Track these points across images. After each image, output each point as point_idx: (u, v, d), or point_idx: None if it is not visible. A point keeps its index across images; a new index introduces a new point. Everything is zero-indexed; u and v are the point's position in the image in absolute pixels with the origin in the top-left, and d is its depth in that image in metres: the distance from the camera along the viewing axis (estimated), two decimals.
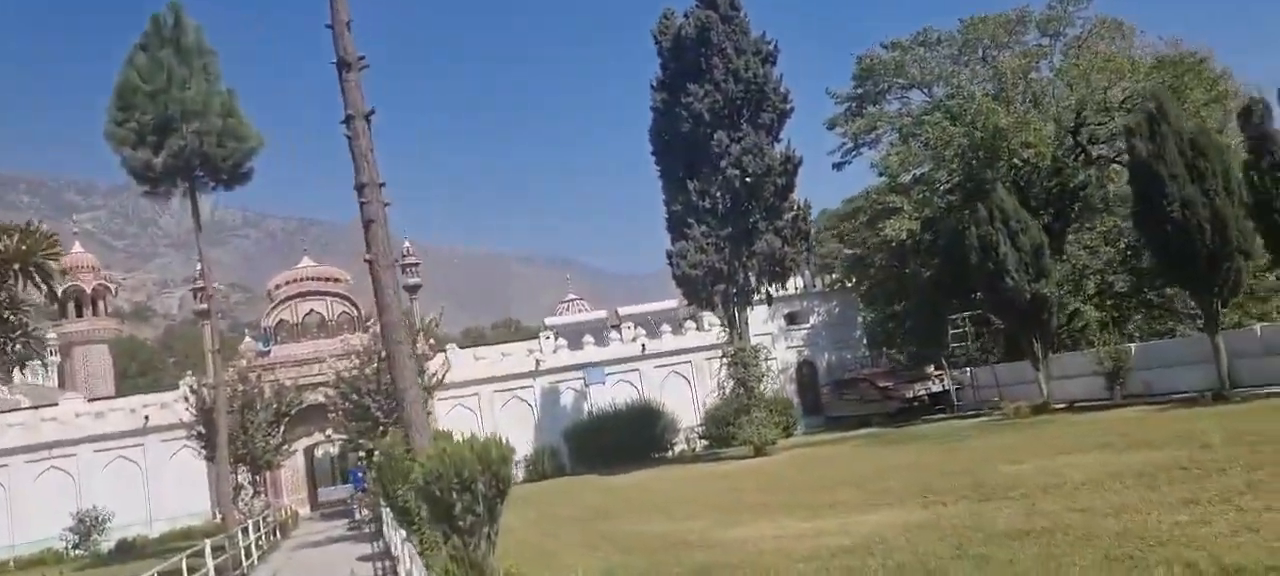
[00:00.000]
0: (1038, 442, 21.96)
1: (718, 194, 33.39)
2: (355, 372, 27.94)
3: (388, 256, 15.01)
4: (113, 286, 79.27)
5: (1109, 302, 37.92)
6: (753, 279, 34.92)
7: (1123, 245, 37.83)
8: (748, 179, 32.82)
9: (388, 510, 20.29)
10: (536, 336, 47.84)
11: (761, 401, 34.55)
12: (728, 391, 35.94)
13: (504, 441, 10.94)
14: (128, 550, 35.14)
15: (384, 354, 27.87)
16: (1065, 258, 36.00)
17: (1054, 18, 41.30)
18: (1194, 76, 36.95)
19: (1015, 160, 37.11)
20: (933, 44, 43.64)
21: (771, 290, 36.54)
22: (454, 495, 10.36)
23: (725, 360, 35.07)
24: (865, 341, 47.99)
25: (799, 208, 34.61)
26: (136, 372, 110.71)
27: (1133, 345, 31.93)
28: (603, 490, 28.28)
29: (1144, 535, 10.31)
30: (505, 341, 59.26)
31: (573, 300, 65.55)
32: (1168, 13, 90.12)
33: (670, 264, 35.11)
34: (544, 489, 32.19)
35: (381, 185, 15.14)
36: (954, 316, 37.97)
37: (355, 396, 27.63)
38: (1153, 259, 29.60)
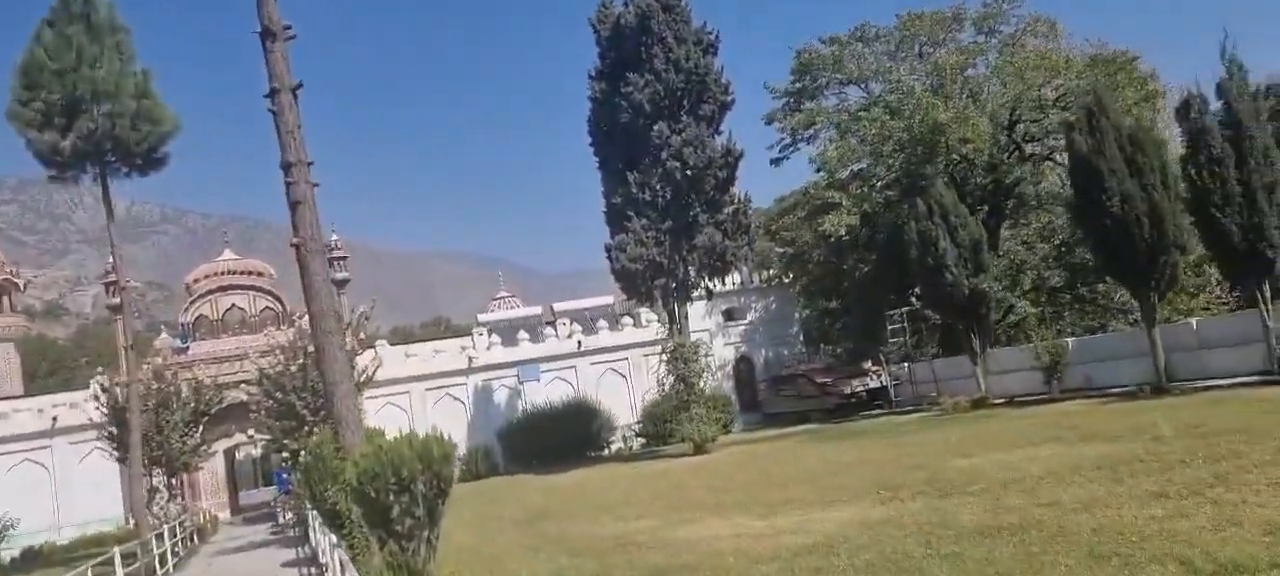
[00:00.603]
0: (985, 436, 21.70)
1: (658, 186, 32.65)
2: (279, 369, 26.56)
3: (317, 240, 13.94)
4: (20, 282, 75.59)
5: (1044, 298, 38.21)
6: (692, 273, 34.30)
7: (1057, 242, 38.17)
8: (688, 171, 32.17)
9: (315, 513, 19.14)
10: (468, 334, 46.69)
11: (701, 398, 33.95)
12: (667, 388, 35.27)
13: (445, 438, 10.06)
14: (34, 558, 33.25)
15: (310, 348, 26.62)
16: (1001, 254, 36.11)
17: (989, 15, 41.57)
18: (1125, 75, 37.40)
19: (953, 156, 37.18)
20: (870, 39, 43.63)
21: (711, 285, 36.00)
22: (391, 497, 9.46)
23: (665, 356, 34.37)
24: (802, 338, 47.84)
25: (739, 201, 34.12)
26: (46, 373, 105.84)
27: (1070, 340, 32.10)
28: (542, 490, 27.38)
29: (1122, 530, 9.85)
30: (435, 340, 57.83)
31: (504, 298, 64.38)
32: (1090, 14, 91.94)
33: (608, 257, 34.33)
34: (480, 489, 31.13)
35: (309, 164, 14.06)
36: (892, 312, 37.89)
37: (279, 394, 26.27)
38: (1092, 253, 29.70)
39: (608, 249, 34.40)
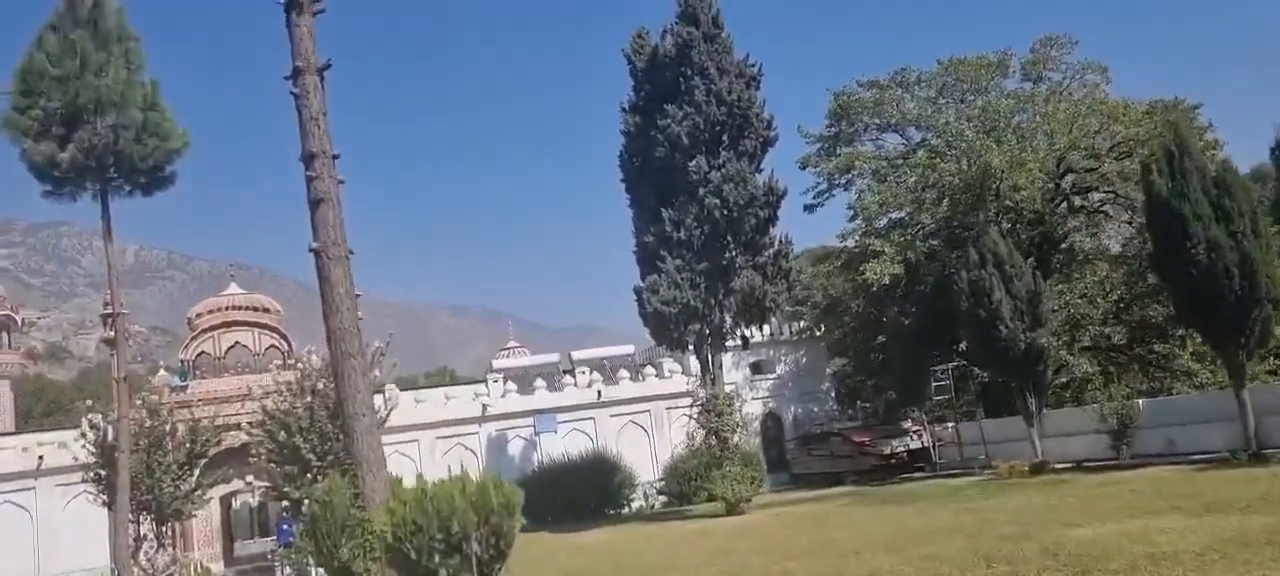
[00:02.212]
0: (1080, 504, 19.30)
1: (694, 225, 30.57)
2: (285, 407, 24.25)
3: (340, 245, 11.79)
4: (19, 318, 73.58)
5: (1102, 357, 35.87)
6: (728, 319, 32.07)
7: (1115, 297, 35.90)
8: (728, 209, 30.10)
9: (321, 572, 16.75)
10: (479, 382, 44.37)
11: (735, 454, 31.50)
12: (697, 442, 32.86)
13: (506, 484, 7.82)
14: None
15: (319, 386, 24.40)
16: (1059, 307, 33.84)
17: (1037, 61, 39.80)
18: (1187, 125, 35.42)
19: (1004, 204, 35.10)
20: (910, 84, 41.84)
21: (747, 333, 33.72)
22: (437, 557, 7.23)
23: (696, 408, 32.01)
24: (833, 394, 45.43)
25: (781, 243, 31.98)
26: (41, 414, 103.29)
27: (1141, 401, 29.67)
28: (570, 550, 24.87)
29: None
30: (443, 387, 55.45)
31: (514, 348, 62.10)
32: (1132, 69, 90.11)
33: (638, 299, 32.13)
34: None
35: (335, 156, 11.99)
36: (936, 368, 35.52)
37: (283, 434, 23.94)
38: (1173, 305, 27.48)
39: (637, 292, 32.21)
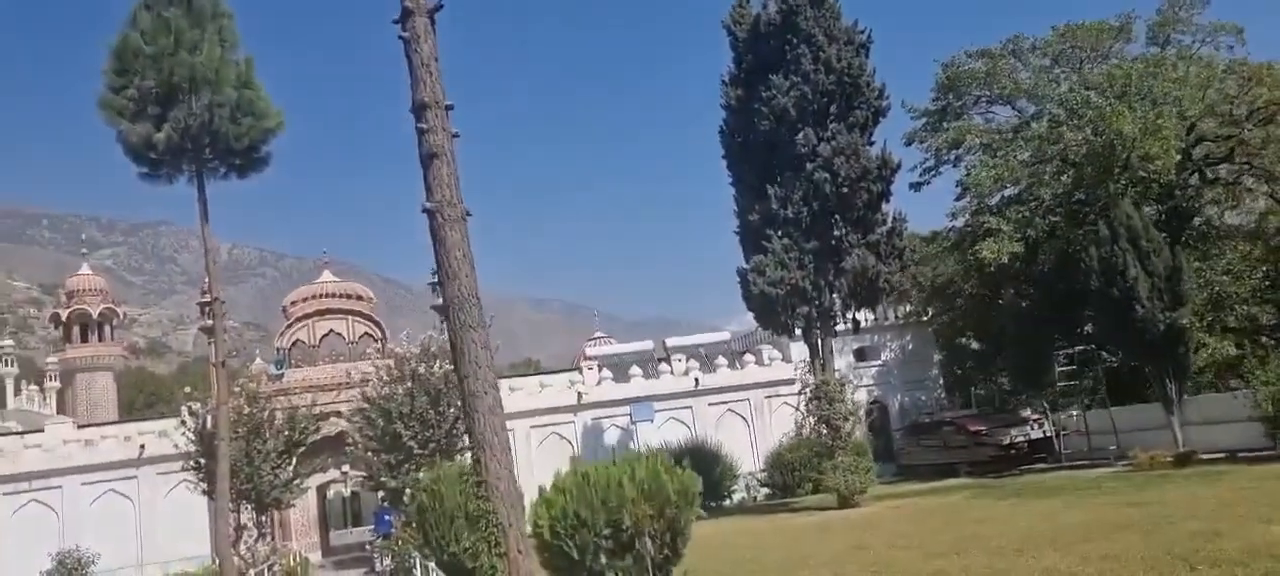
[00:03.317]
0: (1260, 498, 17.21)
1: (801, 201, 28.93)
2: (384, 393, 23.39)
3: (456, 205, 10.59)
4: (122, 311, 75.14)
5: (1247, 338, 33.07)
6: (837, 301, 30.34)
7: (1261, 274, 33.04)
8: (839, 184, 28.37)
9: (431, 565, 15.71)
10: (577, 370, 43.31)
11: (848, 443, 29.75)
12: (806, 431, 31.22)
13: (682, 468, 6.47)
14: None
15: (417, 370, 23.50)
16: (1202, 284, 31.26)
17: (1165, 22, 36.99)
18: None
19: (1134, 175, 32.55)
20: (1024, 52, 39.41)
21: (859, 316, 31.90)
22: (603, 557, 5.93)
23: (805, 394, 30.35)
24: (941, 382, 43.21)
25: (894, 220, 30.11)
26: (144, 405, 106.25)
27: None
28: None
29: None
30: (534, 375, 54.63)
31: (600, 338, 61.11)
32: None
33: (742, 282, 30.67)
34: None
35: (449, 108, 10.77)
36: (1063, 351, 33.16)
37: (383, 421, 23.06)
38: None
39: (741, 273, 30.75)
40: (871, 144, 29.84)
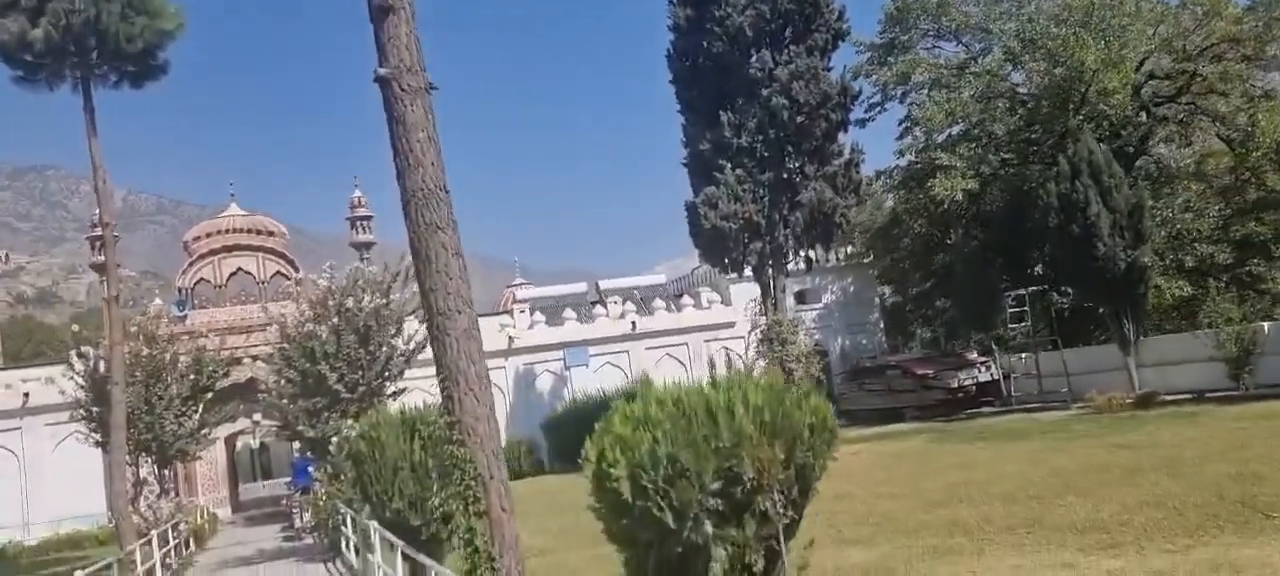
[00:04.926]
0: (1264, 437, 16.13)
1: (756, 130, 27.08)
2: (306, 329, 20.87)
3: (417, 72, 8.33)
4: (4, 254, 69.83)
5: (1200, 279, 32.58)
6: (790, 238, 28.69)
7: (1214, 213, 32.50)
8: (797, 111, 26.57)
9: (360, 518, 13.57)
10: (506, 313, 41.01)
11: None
12: (756, 374, 29.65)
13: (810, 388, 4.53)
14: None
15: (345, 304, 21.02)
16: (1160, 222, 30.57)
17: None
18: None
19: (1091, 111, 31.55)
20: None
21: (812, 253, 30.37)
22: (707, 524, 3.95)
23: (758, 335, 28.76)
24: (882, 325, 42.24)
25: (852, 151, 28.51)
26: (33, 354, 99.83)
27: (1265, 324, 26.47)
28: None
29: None
30: None
31: (521, 284, 58.71)
32: None
33: (690, 216, 28.79)
34: (540, 490, 25.49)
35: None
36: (1014, 292, 32.24)
37: (306, 363, 20.57)
38: None
39: (690, 207, 28.85)
40: (829, 70, 28.09)
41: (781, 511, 4.25)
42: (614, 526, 4.53)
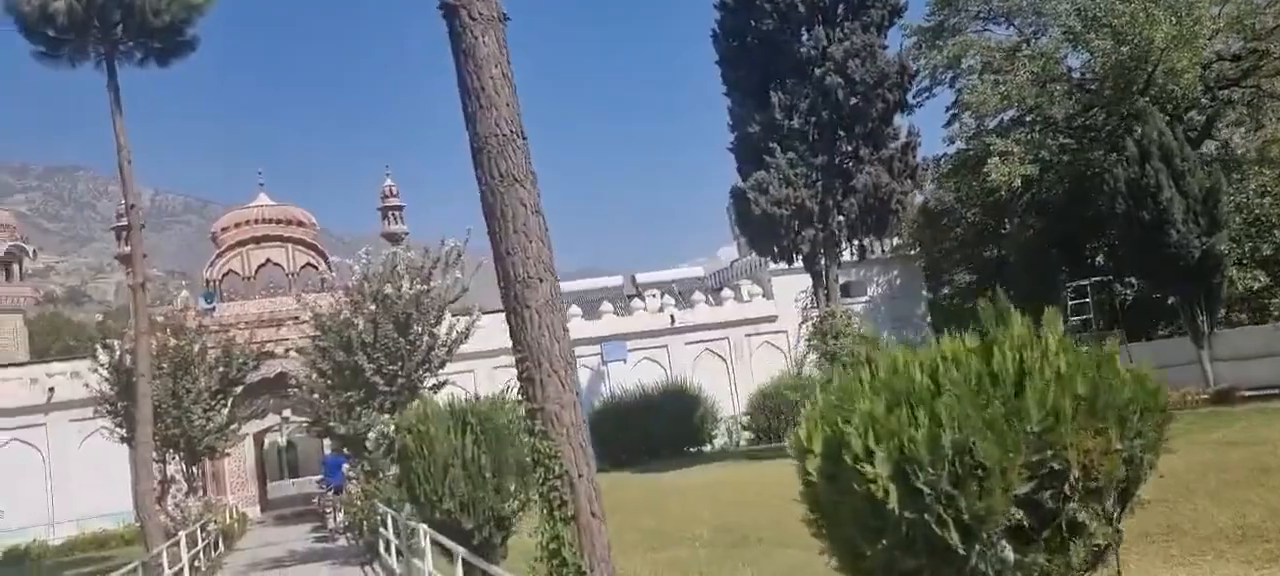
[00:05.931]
0: None
1: (809, 111, 25.73)
2: (343, 318, 19.73)
3: (489, 1, 7.07)
4: (31, 250, 69.25)
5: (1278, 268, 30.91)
6: (844, 225, 27.30)
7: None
8: (852, 92, 25.19)
9: (403, 519, 12.41)
10: None
11: None
12: (804, 369, 28.34)
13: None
14: (18, 560, 26.83)
15: (382, 291, 19.83)
16: (1237, 209, 28.96)
17: None
18: None
19: (1164, 90, 29.94)
20: None
21: (867, 242, 28.97)
22: (1005, 547, 2.67)
23: (809, 327, 27.41)
24: (929, 320, 40.70)
25: (909, 134, 27.07)
26: (61, 351, 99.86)
27: None
28: (674, 493, 20.48)
29: None
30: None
31: None
32: None
33: (738, 202, 27.48)
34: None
35: None
36: (1074, 283, 30.71)
37: (342, 354, 19.41)
38: None
39: (737, 193, 27.52)
40: (885, 48, 26.67)
41: (1112, 527, 2.99)
42: (850, 544, 3.17)
